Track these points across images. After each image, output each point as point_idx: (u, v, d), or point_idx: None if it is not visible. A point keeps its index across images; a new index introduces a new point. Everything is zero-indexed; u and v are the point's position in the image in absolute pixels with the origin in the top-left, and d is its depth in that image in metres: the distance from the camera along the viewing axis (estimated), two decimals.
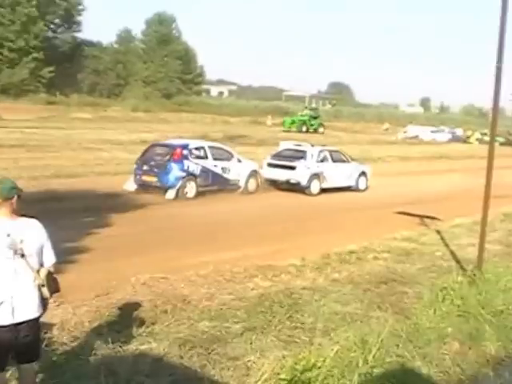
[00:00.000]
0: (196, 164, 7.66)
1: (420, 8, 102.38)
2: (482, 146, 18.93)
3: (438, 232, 6.44)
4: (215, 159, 7.97)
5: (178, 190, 7.50)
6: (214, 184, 7.91)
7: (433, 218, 7.38)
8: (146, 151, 8.13)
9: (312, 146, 8.56)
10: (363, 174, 9.10)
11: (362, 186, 9.13)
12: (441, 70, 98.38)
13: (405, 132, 32.83)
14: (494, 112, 4.54)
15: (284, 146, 8.75)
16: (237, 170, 8.12)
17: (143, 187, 7.83)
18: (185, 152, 7.62)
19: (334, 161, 8.41)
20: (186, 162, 7.54)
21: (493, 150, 4.34)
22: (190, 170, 7.58)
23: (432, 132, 33.43)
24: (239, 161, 8.29)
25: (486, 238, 4.54)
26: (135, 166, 7.92)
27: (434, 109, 61.19)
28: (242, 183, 8.21)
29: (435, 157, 19.41)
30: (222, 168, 7.97)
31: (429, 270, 4.80)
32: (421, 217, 7.41)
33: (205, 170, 7.72)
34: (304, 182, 7.89)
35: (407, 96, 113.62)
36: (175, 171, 7.49)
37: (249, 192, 8.29)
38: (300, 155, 8.02)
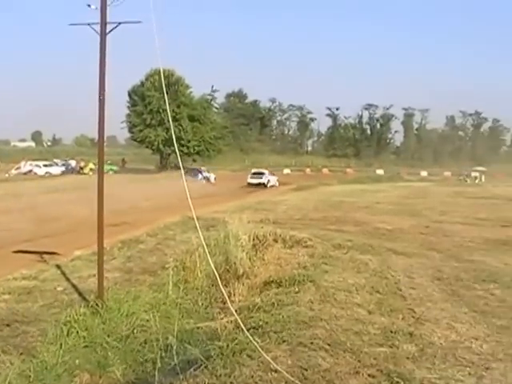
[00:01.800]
0: None
1: None
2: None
3: (58, 267, 10.82)
4: None
5: None
6: None
7: (52, 253, 12.65)
8: None
9: (266, 170, 61.93)
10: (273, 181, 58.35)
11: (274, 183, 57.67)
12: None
13: (18, 168, 60.34)
14: (100, 142, 8.47)
15: (253, 171, 59.96)
16: None
17: None
18: None
19: (271, 174, 59.75)
20: None
21: (102, 179, 8.14)
22: None
23: (45, 166, 64.18)
24: None
25: (105, 266, 8.60)
26: None
27: (46, 142, 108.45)
28: None
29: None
30: None
31: (52, 306, 8.00)
32: (40, 253, 12.61)
33: None
34: (265, 182, 55.03)
35: (18, 131, 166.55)
36: None
37: None
38: (262, 173, 58.32)
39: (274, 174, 60.28)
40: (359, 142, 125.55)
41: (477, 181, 73.56)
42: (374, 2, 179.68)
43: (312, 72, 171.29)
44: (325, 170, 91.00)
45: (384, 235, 16.69)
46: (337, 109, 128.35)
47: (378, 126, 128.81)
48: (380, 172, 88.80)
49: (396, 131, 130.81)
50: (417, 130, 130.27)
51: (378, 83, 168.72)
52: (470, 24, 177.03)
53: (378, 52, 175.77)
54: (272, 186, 54.50)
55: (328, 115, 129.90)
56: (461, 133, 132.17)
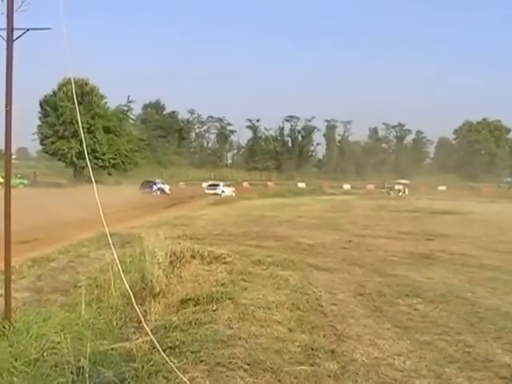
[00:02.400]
0: None
1: None
2: None
3: None
4: None
5: None
6: None
7: None
8: None
9: (221, 181, 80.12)
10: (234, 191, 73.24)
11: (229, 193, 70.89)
12: None
13: None
14: (6, 155, 8.33)
15: (209, 182, 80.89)
16: None
17: None
18: None
19: (227, 186, 75.18)
20: None
21: (9, 193, 8.03)
22: None
23: None
24: None
25: (13, 286, 8.43)
26: None
27: None
28: None
29: None
30: None
31: None
32: None
33: None
34: (220, 192, 68.22)
35: None
36: None
37: None
38: (217, 184, 74.62)
39: (229, 186, 75.61)
40: (280, 154, 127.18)
41: (400, 194, 75.74)
42: (294, 14, 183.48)
43: (232, 83, 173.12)
44: (245, 184, 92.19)
45: (305, 250, 16.90)
46: (257, 120, 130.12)
47: (300, 138, 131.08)
48: (302, 185, 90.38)
49: (318, 143, 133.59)
50: (339, 142, 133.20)
51: (300, 94, 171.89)
52: (391, 36, 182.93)
53: (299, 63, 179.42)
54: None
55: (248, 127, 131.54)
56: (384, 145, 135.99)
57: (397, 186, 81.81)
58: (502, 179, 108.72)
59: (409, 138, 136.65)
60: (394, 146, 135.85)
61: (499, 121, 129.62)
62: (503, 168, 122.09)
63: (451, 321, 8.82)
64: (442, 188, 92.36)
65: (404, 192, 77.60)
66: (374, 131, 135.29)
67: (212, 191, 67.90)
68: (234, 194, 68.44)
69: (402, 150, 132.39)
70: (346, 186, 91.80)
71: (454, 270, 13.92)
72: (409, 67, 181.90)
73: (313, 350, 7.17)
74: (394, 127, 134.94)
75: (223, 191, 69.93)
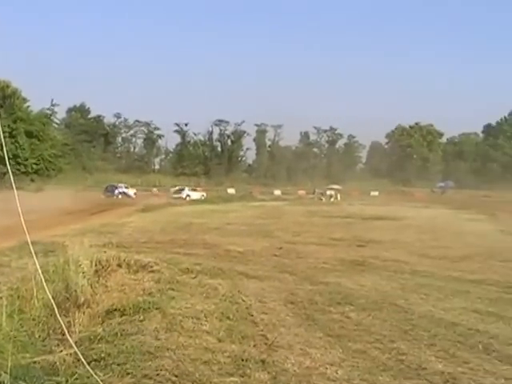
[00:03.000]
0: None
1: None
2: None
3: None
4: None
5: None
6: None
7: None
8: None
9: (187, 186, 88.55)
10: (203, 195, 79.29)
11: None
12: None
13: None
14: None
15: (176, 188, 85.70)
16: None
17: None
18: None
19: (193, 190, 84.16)
20: None
21: None
22: None
23: None
24: None
25: None
26: None
27: None
28: None
29: None
30: None
31: None
32: None
33: None
34: (184, 196, 75.43)
35: None
36: None
37: None
38: (182, 189, 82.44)
39: (195, 190, 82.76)
40: (209, 159, 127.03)
41: (332, 199, 76.62)
42: (222, 16, 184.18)
43: (159, 86, 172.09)
44: (173, 190, 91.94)
45: (235, 258, 16.98)
46: (186, 125, 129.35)
47: (229, 142, 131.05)
48: (231, 191, 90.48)
49: (248, 148, 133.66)
50: (269, 146, 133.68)
51: (229, 98, 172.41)
52: (321, 38, 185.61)
53: (228, 66, 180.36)
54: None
55: (176, 131, 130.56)
56: (315, 149, 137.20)
57: (328, 192, 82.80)
58: (435, 184, 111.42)
59: (340, 143, 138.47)
60: (326, 151, 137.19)
61: (431, 125, 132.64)
62: (436, 173, 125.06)
63: (384, 328, 8.97)
64: (375, 193, 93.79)
65: (336, 197, 78.44)
66: (305, 135, 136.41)
67: (177, 195, 74.92)
68: (202, 198, 74.49)
69: (334, 154, 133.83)
70: (277, 192, 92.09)
71: (386, 276, 14.20)
72: (340, 70, 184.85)
73: (243, 360, 7.19)
74: (325, 131, 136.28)
75: (188, 195, 76.56)
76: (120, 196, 72.13)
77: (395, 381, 6.68)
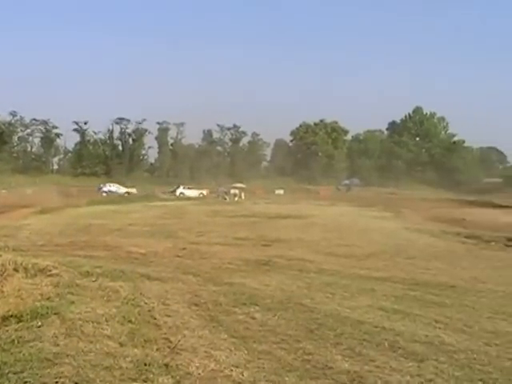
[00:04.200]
0: None
1: None
2: None
3: None
4: None
5: None
6: None
7: None
8: None
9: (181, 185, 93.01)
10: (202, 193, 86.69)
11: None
12: None
13: None
14: None
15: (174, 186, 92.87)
16: None
17: None
18: None
19: (188, 188, 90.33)
20: None
21: None
22: None
23: None
24: None
25: None
26: None
27: None
28: None
29: None
30: None
31: None
32: None
33: None
34: (177, 194, 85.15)
35: None
36: None
37: None
38: (177, 187, 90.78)
39: (190, 188, 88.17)
40: (110, 158, 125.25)
41: (236, 198, 76.99)
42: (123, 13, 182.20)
43: (57, 83, 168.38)
44: (73, 190, 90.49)
45: (137, 259, 16.86)
46: (85, 123, 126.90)
47: (131, 141, 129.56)
48: (133, 191, 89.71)
49: (150, 147, 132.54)
50: (172, 145, 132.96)
51: (130, 96, 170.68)
52: (227, 36, 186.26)
53: (128, 62, 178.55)
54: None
55: (75, 130, 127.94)
56: (219, 148, 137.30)
57: (232, 191, 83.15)
58: (340, 181, 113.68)
59: (244, 141, 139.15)
60: (230, 149, 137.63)
61: (336, 122, 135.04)
62: (341, 170, 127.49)
63: (290, 328, 9.05)
64: (280, 191, 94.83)
65: (240, 196, 78.87)
66: (209, 133, 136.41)
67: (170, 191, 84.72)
68: (201, 196, 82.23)
69: (238, 152, 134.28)
70: (130, 191, 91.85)
71: (292, 275, 14.37)
72: (243, 68, 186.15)
73: (146, 364, 7.12)
74: (228, 129, 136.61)
75: (182, 193, 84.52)
76: (104, 194, 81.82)
77: (301, 381, 6.75)
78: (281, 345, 8.15)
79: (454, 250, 22.10)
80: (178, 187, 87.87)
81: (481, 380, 6.93)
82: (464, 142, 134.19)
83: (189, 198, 74.44)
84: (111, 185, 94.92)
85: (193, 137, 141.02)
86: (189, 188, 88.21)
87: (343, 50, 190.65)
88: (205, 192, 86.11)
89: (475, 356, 7.85)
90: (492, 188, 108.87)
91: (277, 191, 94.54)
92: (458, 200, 69.38)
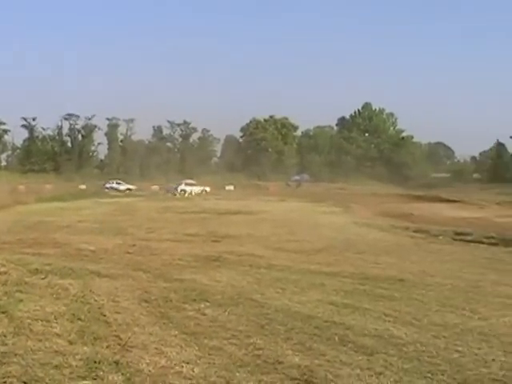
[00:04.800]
0: None
1: None
2: None
3: None
4: None
5: None
6: None
7: None
8: None
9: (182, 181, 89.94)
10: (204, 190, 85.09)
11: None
12: None
13: None
14: None
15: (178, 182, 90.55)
16: None
17: None
18: None
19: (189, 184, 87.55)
20: None
21: None
22: None
23: None
24: None
25: None
26: None
27: None
28: None
29: None
30: None
31: None
32: None
33: None
34: (179, 191, 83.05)
35: None
36: None
37: None
38: (179, 184, 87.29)
39: (192, 185, 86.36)
40: (59, 155, 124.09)
41: (186, 194, 77.03)
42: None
43: (4, 78, 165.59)
44: (21, 187, 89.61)
45: (87, 256, 16.67)
46: (33, 119, 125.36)
47: (80, 137, 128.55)
48: (83, 187, 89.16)
49: (99, 143, 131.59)
50: (122, 141, 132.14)
51: (79, 91, 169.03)
52: (174, 32, 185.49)
53: (77, 57, 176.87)
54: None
55: (23, 126, 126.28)
56: (169, 144, 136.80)
57: (183, 187, 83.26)
58: (290, 177, 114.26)
59: (195, 137, 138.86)
60: (180, 145, 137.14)
61: (286, 118, 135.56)
62: (291, 166, 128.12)
63: (240, 324, 9.07)
64: (230, 187, 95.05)
65: (191, 193, 79.04)
66: (159, 130, 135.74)
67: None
68: (204, 193, 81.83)
69: (188, 148, 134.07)
70: (131, 187, 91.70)
71: (242, 271, 14.40)
72: (193, 65, 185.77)
73: (95, 362, 7.05)
74: (179, 125, 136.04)
75: (183, 190, 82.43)
76: (106, 190, 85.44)
77: (252, 376, 6.76)
78: (231, 340, 8.16)
79: (402, 244, 22.39)
80: (180, 184, 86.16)
81: (429, 372, 7.01)
82: (412, 137, 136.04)
83: (140, 195, 73.93)
84: (118, 181, 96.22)
85: (143, 133, 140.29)
86: (191, 185, 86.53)
87: (292, 47, 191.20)
88: (208, 189, 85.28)
89: (424, 348, 7.96)
90: (440, 183, 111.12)
91: (227, 187, 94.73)
92: (406, 195, 70.19)
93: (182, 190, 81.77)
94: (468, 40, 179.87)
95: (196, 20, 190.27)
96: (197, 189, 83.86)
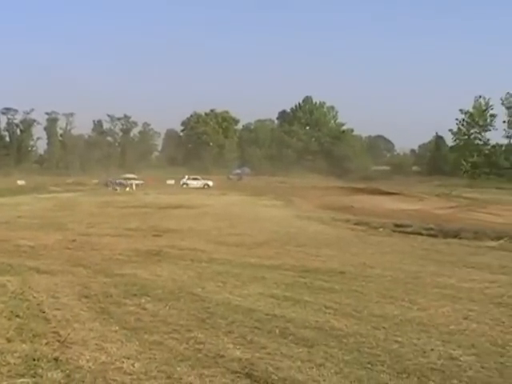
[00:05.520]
0: None
1: None
2: None
3: None
4: None
5: None
6: None
7: None
8: None
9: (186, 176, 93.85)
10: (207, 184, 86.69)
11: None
12: None
13: None
14: None
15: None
16: None
17: None
18: None
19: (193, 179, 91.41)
20: None
21: None
22: None
23: None
24: None
25: None
26: None
27: None
28: None
29: None
30: None
31: None
32: None
33: None
34: (183, 184, 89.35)
35: None
36: None
37: None
38: (182, 177, 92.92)
39: (195, 179, 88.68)
40: None
41: (128, 189, 76.35)
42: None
43: None
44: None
45: (25, 253, 16.45)
46: None
47: (18, 132, 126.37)
48: (21, 183, 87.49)
49: (38, 138, 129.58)
50: (61, 136, 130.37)
51: (17, 85, 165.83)
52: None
53: (16, 50, 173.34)
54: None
55: None
56: (109, 138, 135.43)
57: (124, 181, 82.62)
58: (231, 171, 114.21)
59: (135, 131, 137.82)
60: (120, 139, 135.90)
61: (227, 112, 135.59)
62: (232, 160, 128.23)
63: (181, 318, 9.07)
64: (171, 182, 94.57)
65: (131, 187, 78.35)
66: (99, 124, 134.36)
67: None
68: (206, 187, 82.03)
69: (129, 143, 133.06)
70: (69, 182, 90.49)
71: (183, 265, 14.40)
72: (134, 59, 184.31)
73: (34, 359, 6.98)
74: (119, 119, 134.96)
75: (185, 183, 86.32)
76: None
77: (193, 370, 6.76)
78: (172, 335, 8.15)
79: (343, 236, 22.62)
80: (183, 177, 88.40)
81: (369, 363, 7.11)
82: (353, 130, 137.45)
83: (81, 190, 72.87)
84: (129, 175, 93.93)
85: (83, 127, 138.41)
86: (193, 179, 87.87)
87: (230, 38, 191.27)
88: (210, 183, 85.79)
89: (364, 340, 8.07)
90: (380, 175, 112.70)
91: (168, 181, 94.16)
92: (347, 187, 70.92)
93: (184, 184, 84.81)
94: (405, 33, 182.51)
95: (138, 14, 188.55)
96: (200, 183, 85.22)
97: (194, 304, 10.07)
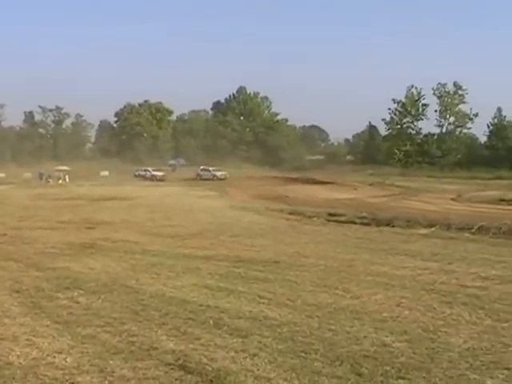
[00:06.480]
0: None
1: None
2: None
3: None
4: None
5: None
6: None
7: None
8: None
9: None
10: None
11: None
12: None
13: None
14: None
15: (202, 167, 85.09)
16: None
17: None
18: None
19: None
20: None
21: None
22: None
23: None
24: None
25: None
26: None
27: None
28: None
29: None
30: None
31: None
32: None
33: None
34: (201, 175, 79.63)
35: None
36: None
37: None
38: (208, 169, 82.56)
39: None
40: None
41: (60, 181, 75.09)
42: None
43: None
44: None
45: None
46: None
47: None
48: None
49: None
50: None
51: None
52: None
53: None
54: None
55: None
56: (41, 130, 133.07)
57: (56, 173, 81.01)
58: (166, 162, 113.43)
59: (68, 122, 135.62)
60: (52, 131, 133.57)
61: (161, 103, 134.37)
62: (166, 150, 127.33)
63: (115, 311, 9.02)
64: (105, 173, 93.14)
65: (64, 179, 77.03)
66: (30, 115, 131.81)
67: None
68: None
69: (61, 134, 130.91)
70: (1, 175, 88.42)
71: (117, 257, 14.32)
72: (68, 49, 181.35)
73: None
74: (51, 111, 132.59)
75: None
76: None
77: (126, 363, 6.73)
78: (105, 328, 8.09)
79: (277, 226, 22.71)
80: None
81: (303, 351, 7.18)
82: (287, 120, 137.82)
83: (13, 182, 71.30)
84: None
85: (14, 119, 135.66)
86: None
87: (168, 30, 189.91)
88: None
89: (298, 329, 8.14)
90: (314, 165, 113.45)
91: (102, 173, 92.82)
92: (281, 177, 71.11)
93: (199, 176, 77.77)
94: (341, 24, 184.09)
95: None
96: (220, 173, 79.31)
97: (128, 296, 10.01)
